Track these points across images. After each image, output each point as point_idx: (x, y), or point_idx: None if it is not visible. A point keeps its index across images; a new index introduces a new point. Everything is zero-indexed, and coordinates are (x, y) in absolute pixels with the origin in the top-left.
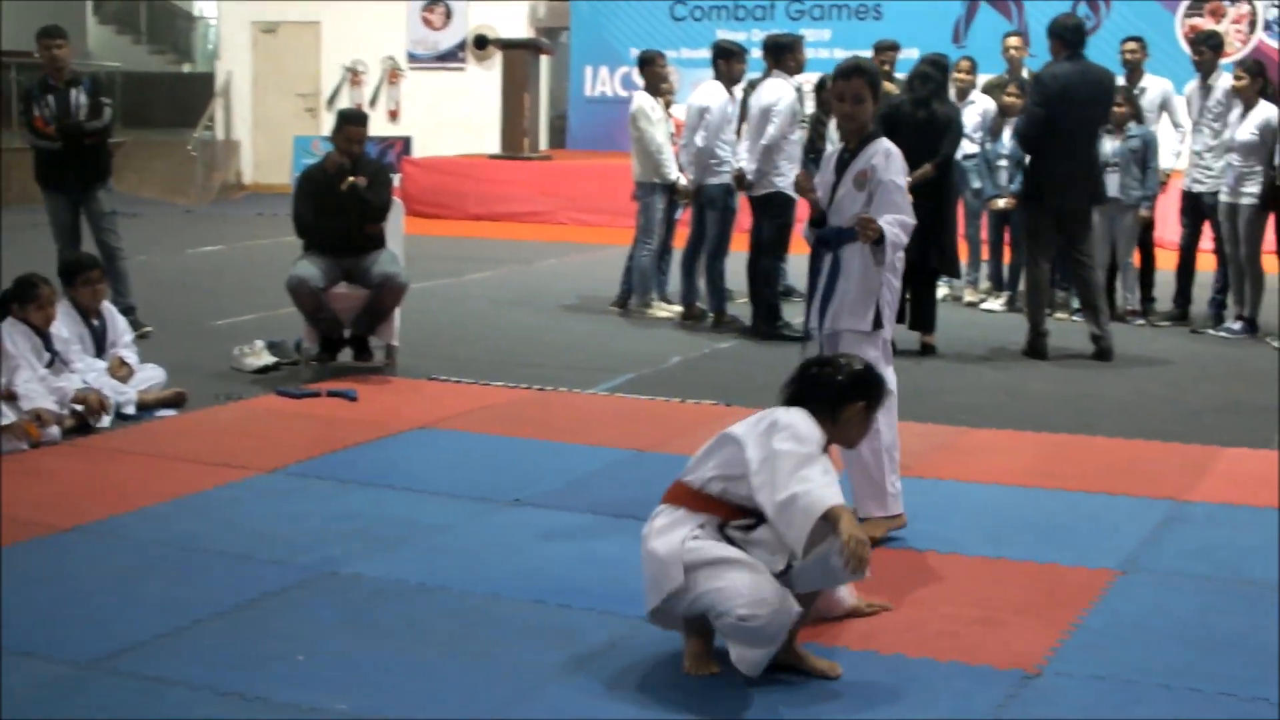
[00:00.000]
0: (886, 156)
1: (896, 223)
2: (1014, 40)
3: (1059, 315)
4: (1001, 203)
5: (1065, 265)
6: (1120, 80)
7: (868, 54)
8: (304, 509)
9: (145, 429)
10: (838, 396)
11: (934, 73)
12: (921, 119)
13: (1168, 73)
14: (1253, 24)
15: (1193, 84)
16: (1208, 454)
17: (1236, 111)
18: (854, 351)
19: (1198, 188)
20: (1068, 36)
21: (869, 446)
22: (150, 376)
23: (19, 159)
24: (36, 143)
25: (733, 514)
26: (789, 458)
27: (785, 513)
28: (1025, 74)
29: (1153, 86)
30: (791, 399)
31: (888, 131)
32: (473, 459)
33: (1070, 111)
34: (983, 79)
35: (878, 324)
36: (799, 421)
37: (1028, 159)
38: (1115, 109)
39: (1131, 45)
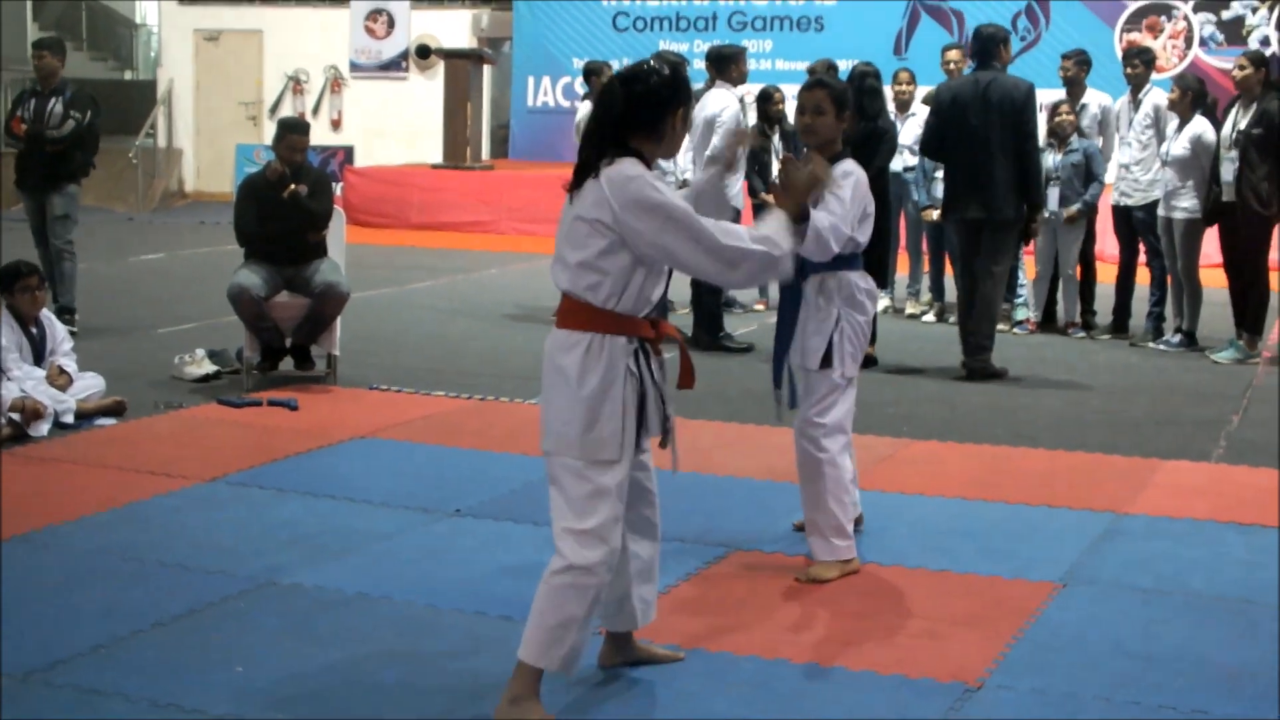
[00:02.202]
0: (843, 176)
1: (828, 219)
2: (954, 54)
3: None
4: (935, 214)
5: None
6: (1057, 93)
7: (806, 65)
8: (244, 518)
9: (84, 437)
10: (658, 111)
11: (870, 83)
12: (862, 132)
13: (1106, 87)
14: (1189, 40)
15: (1123, 99)
16: (1147, 466)
17: (1172, 126)
18: (813, 387)
19: (1126, 201)
20: (974, 46)
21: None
22: (89, 385)
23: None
24: (7, 146)
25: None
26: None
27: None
28: None
29: (1094, 102)
30: (619, 130)
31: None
32: (413, 469)
33: (963, 123)
34: (923, 90)
35: (826, 362)
36: (647, 188)
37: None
38: (1060, 120)
39: (1066, 63)
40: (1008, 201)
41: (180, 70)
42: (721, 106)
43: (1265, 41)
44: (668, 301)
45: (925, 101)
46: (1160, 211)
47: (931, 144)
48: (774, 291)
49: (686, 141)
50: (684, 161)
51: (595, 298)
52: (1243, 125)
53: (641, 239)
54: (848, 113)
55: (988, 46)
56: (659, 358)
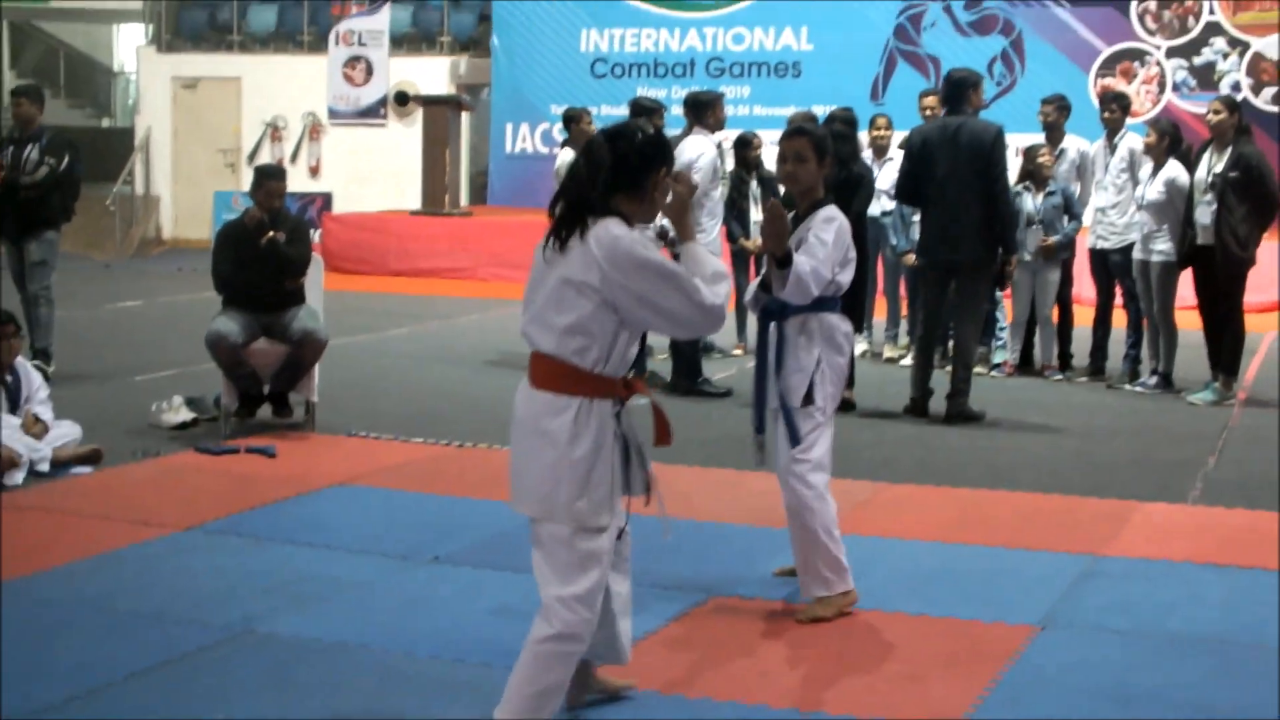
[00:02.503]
0: (826, 221)
1: (809, 264)
2: (930, 99)
3: (977, 370)
4: (912, 258)
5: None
6: (1034, 137)
7: (788, 111)
8: (221, 567)
9: (60, 486)
10: (641, 173)
11: (849, 131)
12: (840, 178)
13: (1082, 131)
14: (1162, 85)
15: (1099, 143)
16: (1125, 508)
17: (1147, 169)
18: (795, 424)
19: (1102, 244)
20: (945, 91)
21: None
22: (65, 433)
23: None
24: None
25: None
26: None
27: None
28: None
29: (1072, 146)
30: (604, 190)
31: None
32: (392, 516)
33: (933, 167)
34: (900, 135)
35: (808, 399)
36: (636, 247)
37: None
38: (1040, 163)
39: (1046, 108)
40: (976, 245)
41: (158, 117)
42: (698, 153)
43: (1236, 87)
44: (647, 346)
45: (901, 146)
46: (1136, 254)
47: (905, 188)
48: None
49: None
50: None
51: (584, 361)
52: (1218, 169)
53: (630, 297)
54: (828, 159)
55: (957, 91)
56: (629, 415)
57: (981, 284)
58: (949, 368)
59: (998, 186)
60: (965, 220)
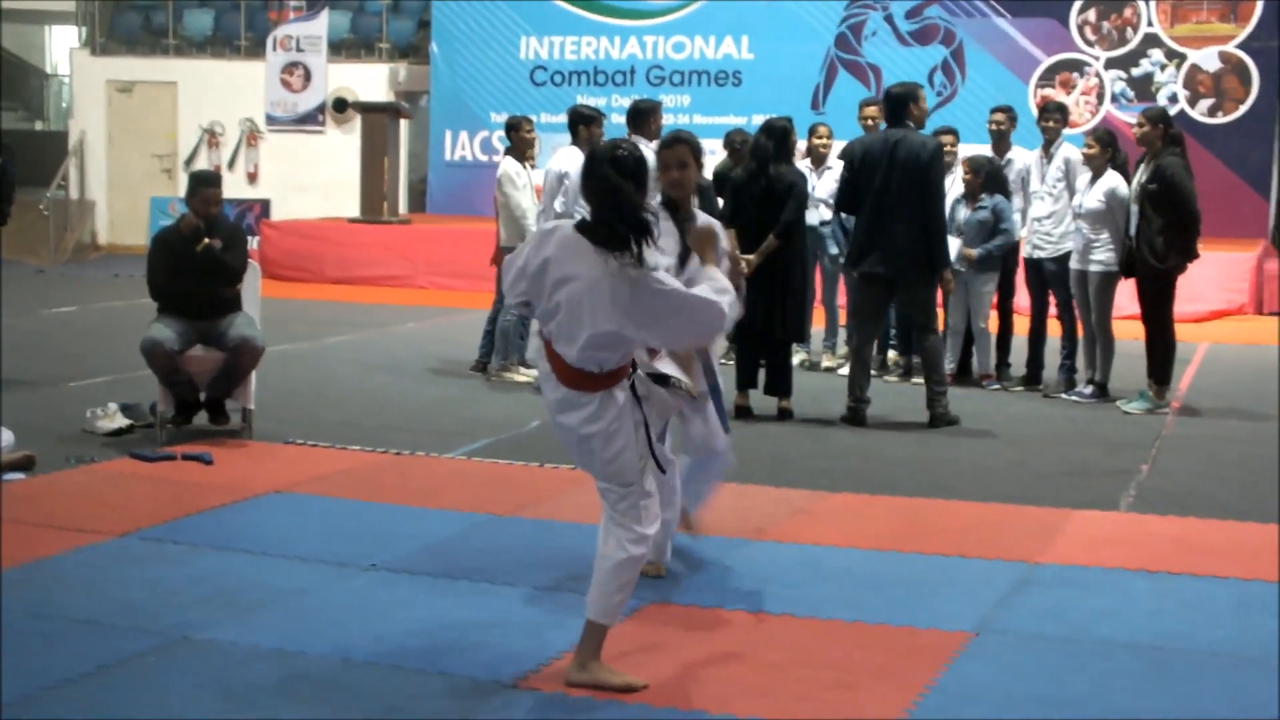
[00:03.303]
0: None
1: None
2: (871, 109)
3: (915, 380)
4: None
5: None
6: (977, 148)
7: (729, 120)
8: (158, 574)
9: None
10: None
11: (765, 141)
12: (761, 189)
13: (1024, 142)
14: (1100, 96)
15: (1035, 152)
16: (1059, 516)
17: (1084, 179)
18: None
19: (1038, 254)
20: (885, 107)
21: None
22: None
23: None
24: None
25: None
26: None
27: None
28: None
29: (1019, 158)
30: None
31: (733, 206)
32: (329, 523)
33: (871, 178)
34: (840, 145)
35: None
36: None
37: None
38: (964, 179)
39: (997, 116)
40: (910, 258)
41: (93, 121)
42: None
43: (1173, 98)
44: None
45: (840, 157)
46: (1074, 265)
47: (845, 198)
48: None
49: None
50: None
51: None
52: (1143, 180)
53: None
54: (702, 163)
55: (896, 107)
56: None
57: (925, 293)
58: (888, 378)
59: (933, 202)
60: (897, 233)
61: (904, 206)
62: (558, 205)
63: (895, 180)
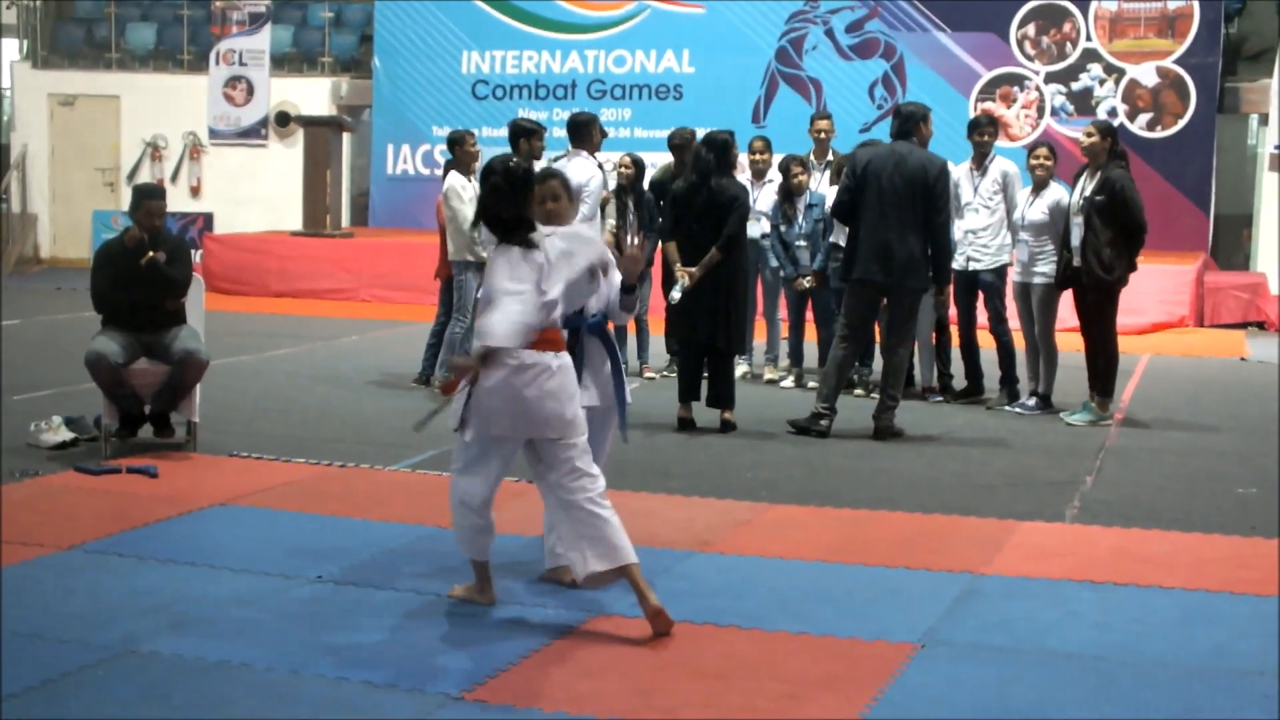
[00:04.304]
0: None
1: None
2: (824, 124)
3: (856, 392)
4: (806, 282)
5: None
6: (960, 167)
7: (665, 132)
8: (102, 586)
9: None
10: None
11: (705, 153)
12: (702, 202)
13: (963, 155)
14: (1040, 110)
15: (964, 165)
16: (1004, 528)
17: (1023, 193)
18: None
19: (974, 265)
20: (895, 124)
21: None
22: None
23: None
24: None
25: None
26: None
27: None
28: (831, 156)
29: (995, 167)
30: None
31: (674, 218)
32: (274, 535)
33: (876, 190)
34: (778, 158)
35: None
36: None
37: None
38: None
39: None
40: (912, 270)
41: (35, 135)
42: (588, 175)
43: (1113, 112)
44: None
45: (841, 162)
46: (1016, 278)
47: (844, 207)
48: (653, 358)
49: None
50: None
51: None
52: (1088, 192)
53: None
54: (577, 199)
55: (906, 125)
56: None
57: (914, 305)
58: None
59: (941, 218)
60: (897, 244)
61: (906, 219)
62: (584, 210)
63: (900, 193)
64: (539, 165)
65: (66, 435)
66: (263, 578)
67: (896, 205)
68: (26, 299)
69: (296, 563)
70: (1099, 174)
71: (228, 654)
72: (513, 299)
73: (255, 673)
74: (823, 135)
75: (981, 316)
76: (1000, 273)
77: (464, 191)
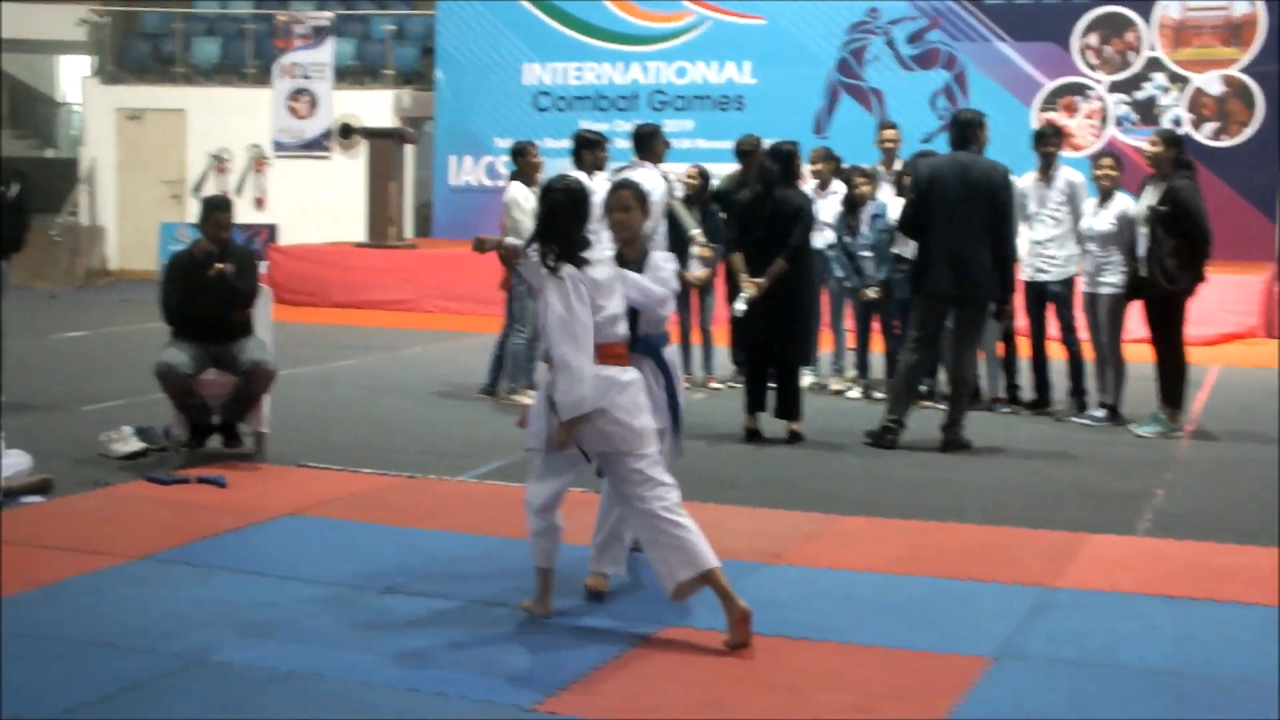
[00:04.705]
0: (668, 260)
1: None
2: (890, 133)
3: (924, 404)
4: (871, 293)
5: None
6: (1020, 177)
7: (731, 144)
8: (173, 596)
9: (9, 516)
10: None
11: (770, 164)
12: (767, 212)
13: (1028, 165)
14: (1104, 119)
15: (1029, 176)
16: (1074, 540)
17: (1089, 203)
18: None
19: (1042, 277)
20: (953, 132)
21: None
22: (15, 463)
23: None
24: None
25: None
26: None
27: None
28: (899, 165)
29: (1061, 177)
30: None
31: (740, 228)
32: (343, 546)
33: (943, 201)
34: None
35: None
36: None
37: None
38: None
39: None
40: (982, 281)
41: (103, 148)
42: (652, 185)
43: (1177, 121)
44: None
45: (905, 173)
46: (1084, 288)
47: (911, 219)
48: (718, 368)
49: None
50: (606, 239)
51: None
52: (1152, 202)
53: None
54: (648, 207)
55: (965, 132)
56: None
57: (982, 316)
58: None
59: (1006, 225)
60: (973, 255)
61: (975, 229)
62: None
63: (967, 203)
64: (602, 176)
65: (137, 445)
66: (332, 588)
67: (964, 215)
68: (95, 310)
69: (366, 573)
70: (1164, 184)
71: (299, 664)
72: (569, 349)
73: (327, 683)
74: (889, 145)
75: (1053, 327)
76: (1068, 283)
77: (525, 203)
